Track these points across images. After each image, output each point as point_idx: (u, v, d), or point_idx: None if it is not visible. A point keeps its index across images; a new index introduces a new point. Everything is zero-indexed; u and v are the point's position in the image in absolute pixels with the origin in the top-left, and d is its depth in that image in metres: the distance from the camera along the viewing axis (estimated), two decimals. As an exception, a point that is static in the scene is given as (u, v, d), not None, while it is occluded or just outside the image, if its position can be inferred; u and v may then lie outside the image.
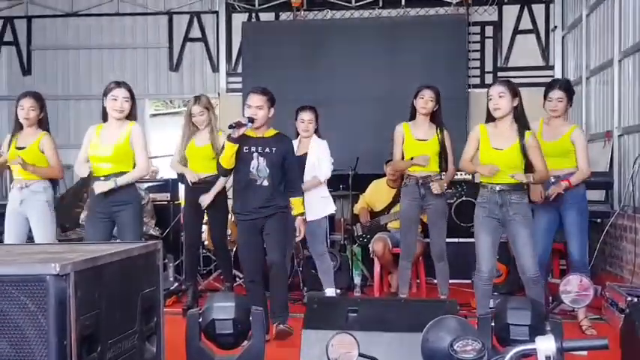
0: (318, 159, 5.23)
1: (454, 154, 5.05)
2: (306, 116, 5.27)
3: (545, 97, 4.72)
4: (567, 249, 4.75)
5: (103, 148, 4.48)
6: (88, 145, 4.56)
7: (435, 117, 5.08)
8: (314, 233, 5.25)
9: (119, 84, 4.53)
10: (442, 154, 5.05)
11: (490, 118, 4.19)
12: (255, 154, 4.35)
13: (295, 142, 5.15)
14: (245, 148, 4.35)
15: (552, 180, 4.56)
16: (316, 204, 5.15)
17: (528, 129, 4.14)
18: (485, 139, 4.14)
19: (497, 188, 4.09)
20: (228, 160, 4.34)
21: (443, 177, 5.07)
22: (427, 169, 5.03)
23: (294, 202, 4.52)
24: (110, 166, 4.48)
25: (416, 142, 5.04)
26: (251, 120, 4.29)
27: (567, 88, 4.73)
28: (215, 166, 5.43)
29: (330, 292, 5.25)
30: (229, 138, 4.30)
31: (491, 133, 4.14)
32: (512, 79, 4.42)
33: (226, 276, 5.62)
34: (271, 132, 4.48)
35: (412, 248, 5.22)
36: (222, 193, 5.44)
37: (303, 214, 4.56)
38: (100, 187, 4.46)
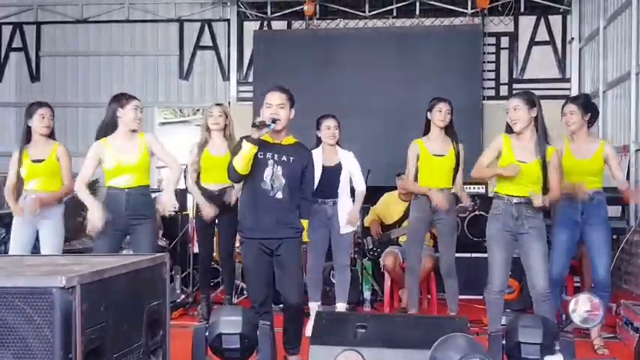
0: (351, 172, 5.12)
1: (465, 166, 5.01)
2: (332, 123, 5.17)
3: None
4: (593, 265, 4.65)
5: (125, 158, 4.41)
6: (94, 163, 4.44)
7: (448, 129, 5.05)
8: (342, 244, 5.16)
9: (133, 96, 4.52)
10: (457, 169, 5.03)
11: (510, 130, 4.13)
12: (270, 162, 3.80)
13: (318, 151, 5.01)
14: (260, 153, 3.78)
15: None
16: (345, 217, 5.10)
17: (548, 141, 4.09)
18: (509, 149, 4.08)
19: (515, 200, 4.03)
20: (245, 164, 3.73)
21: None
22: (441, 184, 5.00)
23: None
24: (134, 177, 4.41)
25: (433, 157, 4.99)
26: (274, 120, 3.75)
27: (583, 103, 4.62)
28: None
29: (341, 306, 5.17)
30: (249, 139, 3.71)
31: (514, 145, 4.09)
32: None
33: (228, 289, 5.56)
34: (290, 139, 3.94)
35: (418, 262, 5.16)
36: (234, 205, 5.39)
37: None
38: (168, 204, 4.50)
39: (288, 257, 3.84)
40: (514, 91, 7.77)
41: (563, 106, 4.66)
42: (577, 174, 4.38)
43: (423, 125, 5.10)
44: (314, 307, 5.08)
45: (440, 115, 4.97)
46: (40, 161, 4.70)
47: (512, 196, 4.04)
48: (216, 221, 5.40)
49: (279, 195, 3.81)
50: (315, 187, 4.21)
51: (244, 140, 3.74)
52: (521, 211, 4.02)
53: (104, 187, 4.56)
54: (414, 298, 5.15)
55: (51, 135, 4.84)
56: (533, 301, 4.15)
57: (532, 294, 4.14)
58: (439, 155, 4.98)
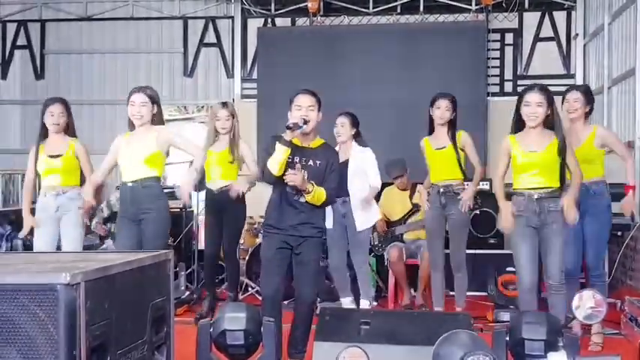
0: (363, 169, 5.09)
1: (479, 154, 5.08)
2: (338, 120, 5.21)
3: (563, 100, 4.64)
4: (585, 258, 4.65)
5: (133, 154, 4.50)
6: (115, 154, 4.58)
7: (450, 126, 5.04)
8: (360, 243, 5.16)
9: (138, 89, 4.54)
10: (460, 161, 5.01)
11: (518, 127, 4.10)
12: (297, 165, 3.82)
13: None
14: (289, 156, 3.83)
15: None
16: (364, 213, 5.08)
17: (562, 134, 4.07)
18: (517, 146, 4.06)
19: (536, 196, 4.02)
20: (281, 165, 3.78)
21: (466, 186, 5.03)
22: (448, 177, 5.01)
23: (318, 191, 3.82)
24: (142, 170, 4.49)
25: (434, 152, 5.04)
26: (305, 122, 3.81)
27: (585, 91, 4.64)
28: (233, 173, 5.35)
29: (364, 303, 5.12)
30: (282, 141, 3.77)
31: (520, 142, 4.08)
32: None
33: (232, 286, 5.54)
34: (318, 142, 3.98)
35: (439, 258, 5.16)
36: (241, 202, 5.39)
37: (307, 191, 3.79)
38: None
39: (308, 256, 3.89)
40: (519, 88, 7.78)
41: (565, 93, 4.63)
42: None
43: (427, 122, 5.07)
44: (346, 302, 5.15)
45: (439, 112, 4.98)
46: (56, 156, 4.70)
47: (533, 190, 4.03)
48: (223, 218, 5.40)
49: (303, 198, 3.85)
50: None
51: (277, 143, 3.77)
52: (543, 205, 4.02)
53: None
54: (438, 295, 5.15)
55: (68, 131, 4.81)
56: (548, 290, 4.18)
57: (547, 284, 4.17)
58: (439, 149, 5.00)
